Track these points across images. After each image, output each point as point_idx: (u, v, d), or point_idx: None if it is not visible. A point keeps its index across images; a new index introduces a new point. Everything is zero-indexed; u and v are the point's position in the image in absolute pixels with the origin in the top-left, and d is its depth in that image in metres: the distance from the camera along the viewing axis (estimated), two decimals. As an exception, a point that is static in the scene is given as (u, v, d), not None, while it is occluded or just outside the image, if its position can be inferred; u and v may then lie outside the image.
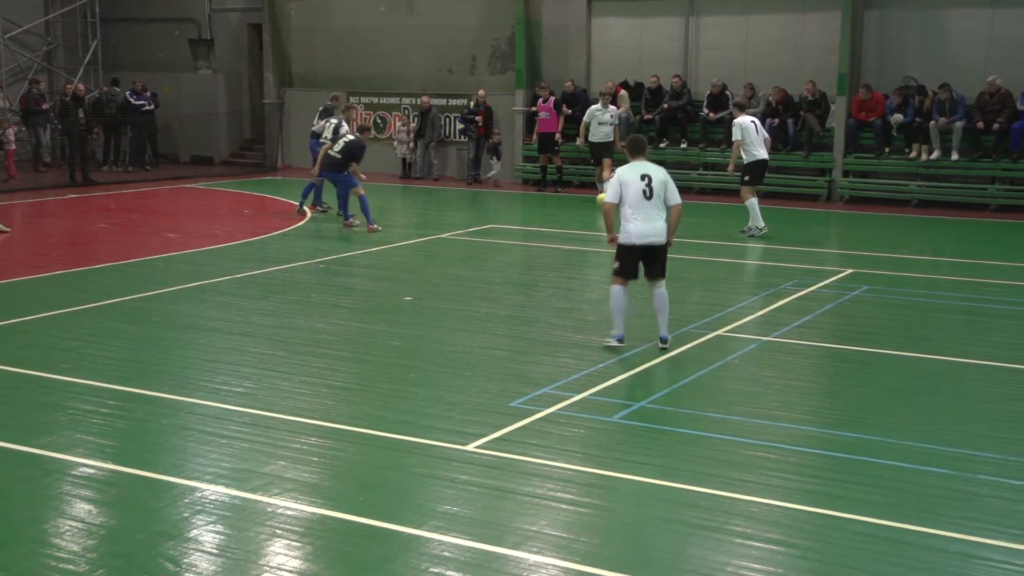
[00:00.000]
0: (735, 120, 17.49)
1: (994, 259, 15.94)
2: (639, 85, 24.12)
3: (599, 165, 21.35)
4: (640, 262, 10.45)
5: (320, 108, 20.68)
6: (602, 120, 21.30)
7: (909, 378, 9.99)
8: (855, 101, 21.91)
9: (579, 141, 22.23)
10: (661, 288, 10.50)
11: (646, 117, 23.69)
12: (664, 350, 10.48)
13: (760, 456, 7.77)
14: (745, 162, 17.32)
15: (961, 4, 21.65)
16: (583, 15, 24.73)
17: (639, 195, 10.25)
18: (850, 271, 14.65)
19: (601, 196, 11.35)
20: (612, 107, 21.48)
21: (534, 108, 24.31)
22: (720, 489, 7.11)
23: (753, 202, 17.37)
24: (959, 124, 20.81)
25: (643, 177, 10.31)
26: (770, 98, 22.35)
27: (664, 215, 10.43)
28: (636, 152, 10.57)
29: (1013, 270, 15.17)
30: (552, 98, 23.55)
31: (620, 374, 9.72)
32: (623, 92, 23.80)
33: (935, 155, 21.24)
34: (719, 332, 11.22)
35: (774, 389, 9.50)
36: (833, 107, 22.27)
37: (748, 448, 7.92)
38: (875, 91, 21.83)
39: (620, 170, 10.53)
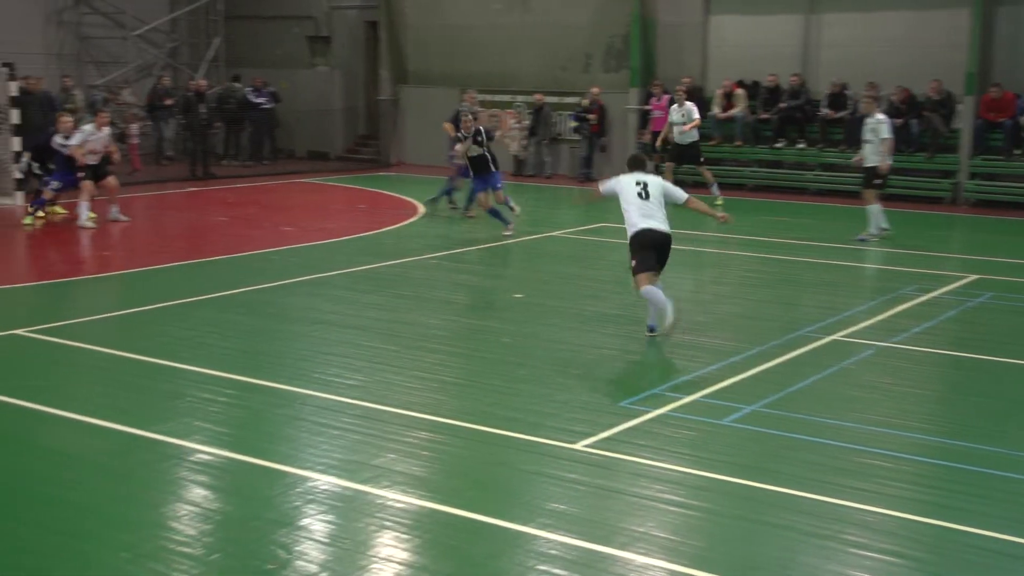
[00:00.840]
0: (878, 117, 16.71)
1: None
2: (756, 84, 23.81)
3: (678, 166, 20.94)
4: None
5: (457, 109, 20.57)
6: (673, 120, 20.92)
7: (1033, 388, 9.68)
8: (984, 101, 21.24)
9: (657, 143, 21.93)
10: (657, 281, 10.62)
11: (763, 116, 23.36)
12: (653, 338, 10.76)
13: (875, 464, 7.59)
14: (875, 164, 16.77)
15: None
16: (700, 12, 24.48)
17: (634, 194, 10.76)
18: (975, 277, 14.23)
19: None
20: (687, 104, 21.03)
21: (648, 107, 24.17)
22: (832, 496, 6.97)
23: (877, 207, 16.87)
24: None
25: (638, 183, 10.83)
26: (893, 98, 21.80)
27: (664, 213, 10.81)
28: (633, 168, 11.17)
29: None
30: (666, 96, 23.36)
31: (732, 377, 9.59)
32: (740, 91, 23.51)
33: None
34: (835, 336, 11.00)
35: (891, 396, 9.29)
36: (960, 107, 21.63)
37: (862, 455, 7.75)
38: (1006, 90, 21.15)
39: (620, 176, 11.07)
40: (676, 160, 20.84)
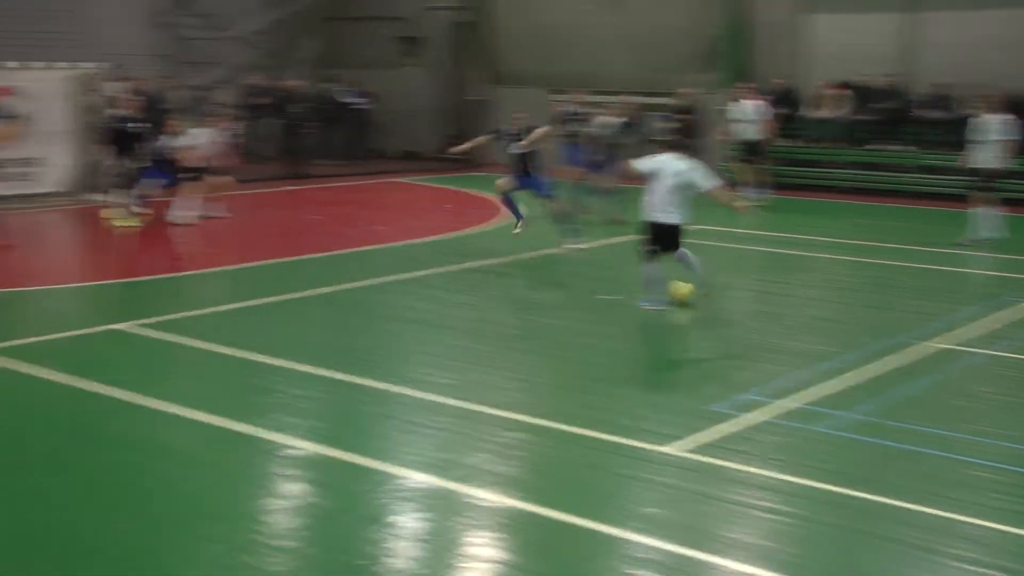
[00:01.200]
0: (995, 117, 16.15)
1: None
2: (853, 84, 23.36)
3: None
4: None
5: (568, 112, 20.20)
6: (735, 116, 20.82)
7: None
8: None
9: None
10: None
11: (859, 117, 22.90)
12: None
13: (979, 476, 7.35)
14: (988, 166, 16.16)
15: None
16: (795, 12, 24.12)
17: (669, 184, 11.68)
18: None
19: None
20: (755, 102, 20.64)
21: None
22: (935, 507, 6.75)
23: (989, 211, 16.28)
24: None
25: (677, 172, 11.70)
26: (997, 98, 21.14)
27: (679, 202, 11.74)
28: (673, 150, 12.01)
29: None
30: (766, 97, 23.02)
31: (827, 383, 9.38)
32: (842, 92, 23.08)
33: None
34: (934, 343, 10.70)
35: (994, 406, 9.01)
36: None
37: (965, 466, 7.51)
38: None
39: (662, 156, 11.89)
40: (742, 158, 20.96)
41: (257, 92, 26.90)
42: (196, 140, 17.76)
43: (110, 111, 18.91)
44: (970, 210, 16.44)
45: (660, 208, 11.72)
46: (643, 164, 11.88)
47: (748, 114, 20.73)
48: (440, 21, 29.50)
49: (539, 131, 15.20)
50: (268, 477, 7.30)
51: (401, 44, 30.02)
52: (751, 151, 20.80)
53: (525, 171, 15.63)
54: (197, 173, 17.59)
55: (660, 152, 12.01)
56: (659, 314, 11.97)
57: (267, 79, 28.38)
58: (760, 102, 20.90)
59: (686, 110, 24.39)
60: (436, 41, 29.60)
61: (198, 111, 21.55)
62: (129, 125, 17.78)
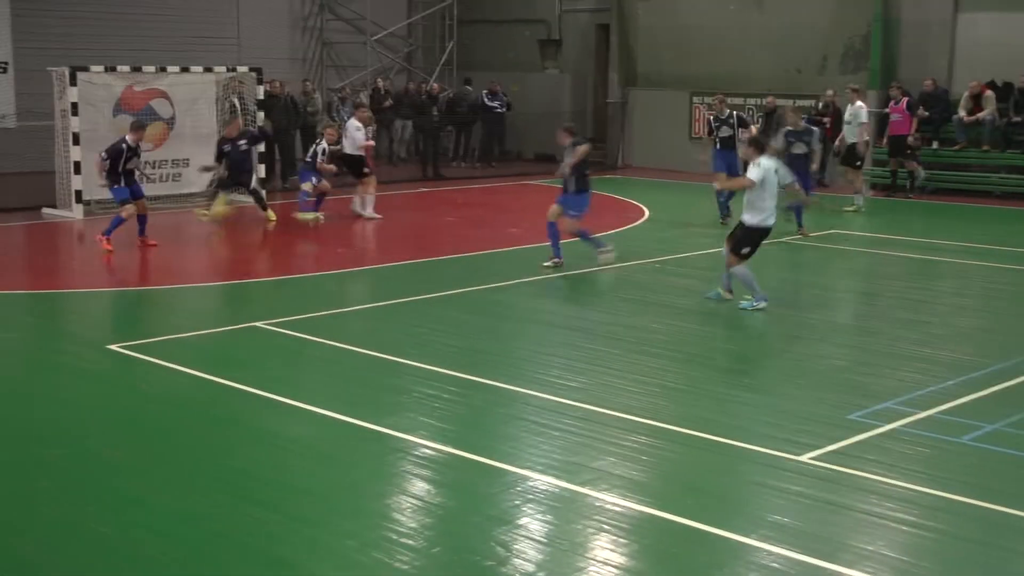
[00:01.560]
0: None
1: None
2: (1008, 85, 22.50)
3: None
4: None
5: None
6: (846, 119, 20.40)
7: None
8: None
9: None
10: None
11: (1014, 119, 22.06)
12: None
13: None
14: None
15: None
16: (947, 10, 23.35)
17: (774, 185, 11.94)
18: None
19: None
20: (859, 104, 20.11)
21: (886, 110, 23.23)
22: (1083, 525, 6.49)
23: None
24: None
25: (776, 171, 12.01)
26: None
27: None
28: (764, 151, 12.03)
29: None
30: (905, 99, 22.40)
31: (971, 393, 9.07)
32: (989, 93, 22.29)
33: None
34: (1087, 354, 10.26)
35: None
36: None
37: (1118, 483, 7.19)
38: None
39: (762, 161, 11.84)
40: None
41: (385, 94, 27.27)
42: (357, 136, 18.29)
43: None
44: None
45: (771, 211, 11.88)
46: (754, 173, 11.78)
47: (860, 116, 20.23)
48: (578, 23, 29.52)
49: (582, 148, 13.90)
50: (398, 475, 7.40)
51: (541, 47, 30.14)
52: (850, 155, 20.38)
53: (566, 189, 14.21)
54: (364, 169, 18.39)
55: (758, 156, 11.87)
56: (801, 320, 11.75)
57: (407, 81, 28.84)
58: (860, 104, 20.35)
59: (828, 112, 23.91)
60: (574, 43, 29.63)
61: (342, 112, 21.98)
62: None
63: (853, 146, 20.28)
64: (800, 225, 16.88)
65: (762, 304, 11.79)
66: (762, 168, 11.74)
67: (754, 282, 11.90)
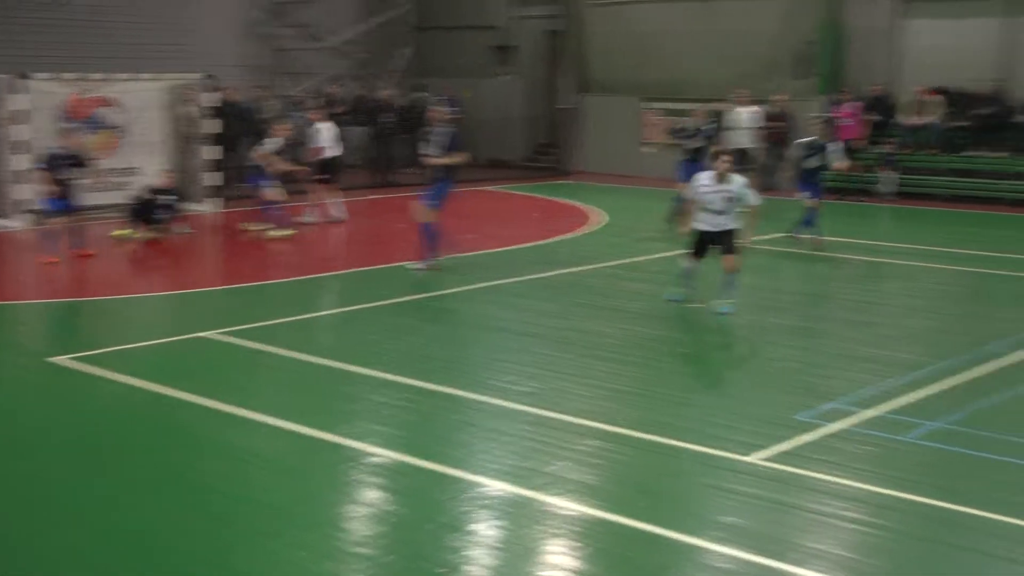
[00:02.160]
0: None
1: None
2: (950, 90, 22.84)
3: None
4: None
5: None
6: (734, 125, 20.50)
7: None
8: None
9: None
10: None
11: (957, 124, 22.41)
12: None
13: (1073, 488, 7.18)
14: None
15: None
16: (892, 17, 23.67)
17: None
18: None
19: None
20: (748, 110, 20.29)
21: (831, 114, 23.47)
22: (1018, 518, 6.61)
23: None
24: None
25: None
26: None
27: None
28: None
29: None
30: (856, 104, 22.67)
31: (916, 392, 9.21)
32: (936, 98, 22.61)
33: None
34: (1029, 352, 10.45)
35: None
36: None
37: (1059, 478, 7.33)
38: None
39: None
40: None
41: (346, 101, 27.20)
42: (325, 137, 18.42)
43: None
44: None
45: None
46: (756, 199, 12.45)
47: (742, 122, 20.18)
48: (531, 30, 29.61)
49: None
50: (350, 484, 7.39)
51: (494, 53, 30.20)
52: (742, 159, 19.91)
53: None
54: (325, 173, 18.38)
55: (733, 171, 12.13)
56: (750, 323, 11.86)
57: (358, 88, 28.75)
58: (755, 109, 20.24)
59: (778, 117, 24.14)
60: (527, 50, 29.72)
61: (295, 118, 21.86)
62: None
63: (746, 152, 20.18)
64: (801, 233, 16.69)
65: (677, 298, 12.35)
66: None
67: (689, 279, 12.33)
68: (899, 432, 8.23)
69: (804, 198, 16.51)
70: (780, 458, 7.64)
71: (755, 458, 7.61)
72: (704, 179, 12.03)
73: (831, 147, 16.62)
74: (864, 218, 20.72)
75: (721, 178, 11.92)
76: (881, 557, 6.25)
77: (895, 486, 7.17)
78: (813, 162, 16.59)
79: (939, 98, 22.61)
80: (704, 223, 12.02)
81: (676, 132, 18.99)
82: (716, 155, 12.20)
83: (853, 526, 6.62)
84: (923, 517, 6.79)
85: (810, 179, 16.44)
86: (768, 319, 12.10)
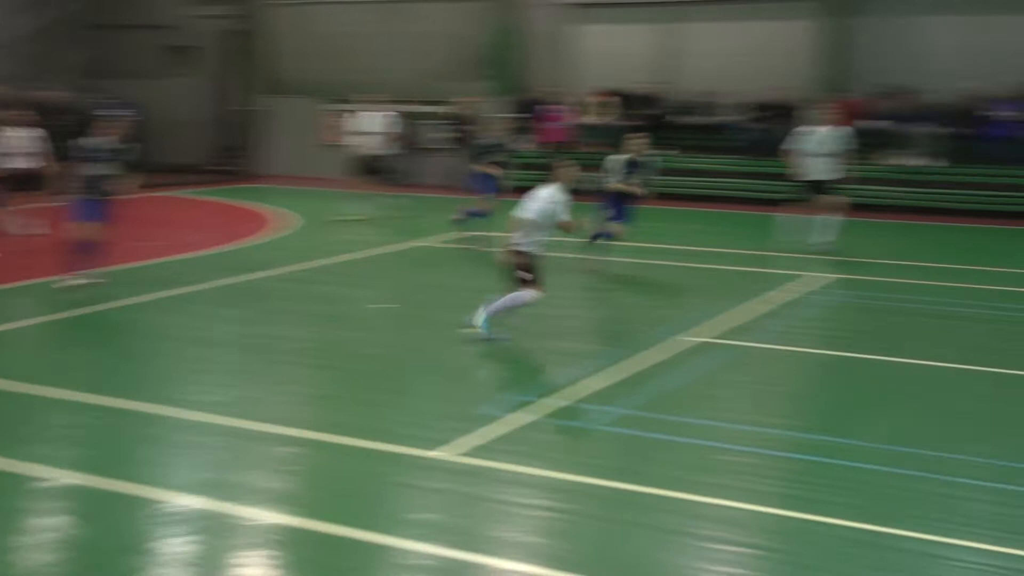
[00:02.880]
0: (838, 129, 16.91)
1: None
2: (619, 92, 24.14)
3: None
4: None
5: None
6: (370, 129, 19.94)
7: (884, 381, 10.02)
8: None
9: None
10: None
11: (623, 123, 23.70)
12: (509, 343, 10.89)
13: (736, 461, 7.75)
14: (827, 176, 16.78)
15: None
16: (565, 22, 24.71)
17: None
18: (837, 277, 14.69)
19: None
20: (383, 114, 19.81)
21: (528, 114, 24.31)
22: (691, 493, 7.09)
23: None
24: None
25: None
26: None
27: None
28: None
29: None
30: (561, 107, 23.52)
31: (595, 380, 9.67)
32: (604, 99, 23.82)
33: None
34: (704, 339, 11.19)
35: (752, 394, 9.51)
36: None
37: (724, 453, 7.90)
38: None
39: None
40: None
41: (14, 103, 25.49)
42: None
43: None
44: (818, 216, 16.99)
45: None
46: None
47: (374, 126, 19.78)
48: (210, 30, 28.85)
49: None
50: (21, 512, 6.93)
51: (173, 54, 29.19)
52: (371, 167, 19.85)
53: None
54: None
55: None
56: (432, 321, 12.05)
57: (23, 89, 27.05)
58: (390, 113, 19.89)
59: (464, 119, 24.68)
60: (206, 50, 28.94)
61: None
62: None
63: (378, 158, 19.77)
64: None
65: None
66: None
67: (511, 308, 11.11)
68: (578, 419, 8.65)
69: (486, 197, 16.93)
70: (472, 452, 7.82)
71: (444, 453, 7.75)
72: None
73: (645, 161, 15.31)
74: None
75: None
76: (564, 539, 6.51)
77: (575, 471, 7.49)
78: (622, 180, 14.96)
79: (609, 99, 23.84)
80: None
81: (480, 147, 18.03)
82: None
83: (542, 513, 6.87)
84: (601, 499, 7.12)
85: (620, 200, 15.03)
86: (448, 316, 12.29)
